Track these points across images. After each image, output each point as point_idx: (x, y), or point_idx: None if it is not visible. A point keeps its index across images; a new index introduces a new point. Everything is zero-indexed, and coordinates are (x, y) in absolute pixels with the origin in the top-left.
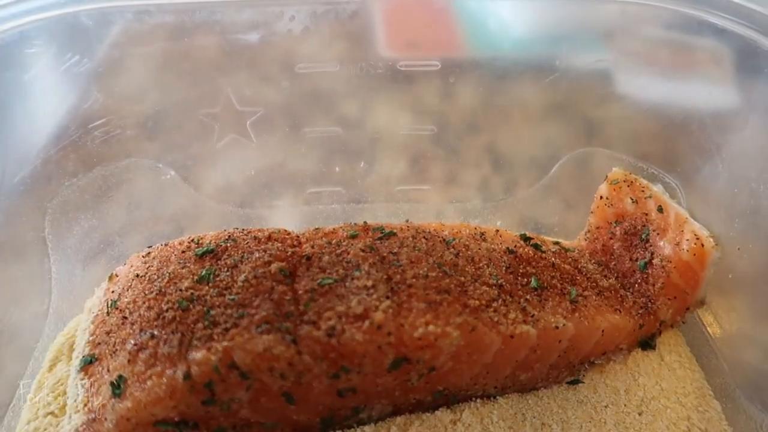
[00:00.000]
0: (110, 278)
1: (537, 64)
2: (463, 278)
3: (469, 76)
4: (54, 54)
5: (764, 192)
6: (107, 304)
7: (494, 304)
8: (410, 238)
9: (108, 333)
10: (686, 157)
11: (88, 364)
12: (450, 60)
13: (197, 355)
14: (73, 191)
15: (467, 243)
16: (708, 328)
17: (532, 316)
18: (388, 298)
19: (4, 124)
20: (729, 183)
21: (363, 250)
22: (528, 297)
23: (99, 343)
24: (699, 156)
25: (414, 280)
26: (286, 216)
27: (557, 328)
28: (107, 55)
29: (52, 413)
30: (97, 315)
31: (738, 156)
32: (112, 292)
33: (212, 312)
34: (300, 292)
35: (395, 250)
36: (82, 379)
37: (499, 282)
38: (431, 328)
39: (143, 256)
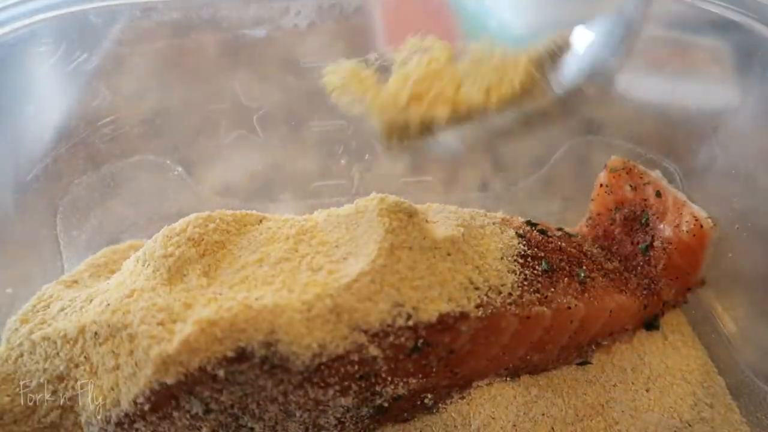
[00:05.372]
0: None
1: None
2: None
3: None
4: (63, 52)
5: (761, 172)
6: None
7: None
8: None
9: None
10: (683, 141)
11: None
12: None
13: None
14: (83, 189)
15: None
16: (709, 305)
17: (546, 297)
18: None
19: (17, 122)
20: (726, 165)
21: None
22: (540, 279)
23: None
24: (695, 140)
25: None
26: (291, 209)
27: (569, 308)
28: (115, 53)
29: None
30: None
31: (734, 138)
32: None
33: None
34: None
35: None
36: None
37: None
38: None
39: None
